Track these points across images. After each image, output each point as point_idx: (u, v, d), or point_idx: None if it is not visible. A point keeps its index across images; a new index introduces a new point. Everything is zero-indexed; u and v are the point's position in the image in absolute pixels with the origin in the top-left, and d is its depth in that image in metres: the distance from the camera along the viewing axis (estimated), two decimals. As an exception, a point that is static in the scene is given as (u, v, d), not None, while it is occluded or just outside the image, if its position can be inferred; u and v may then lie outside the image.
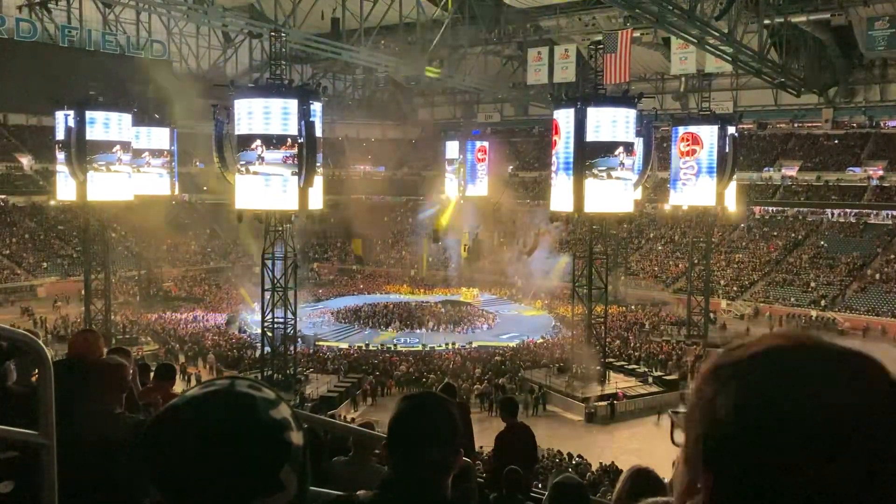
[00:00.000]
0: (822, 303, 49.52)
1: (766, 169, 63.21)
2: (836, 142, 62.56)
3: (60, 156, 39.42)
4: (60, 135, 39.05)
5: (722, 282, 54.16)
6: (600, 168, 33.56)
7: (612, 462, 25.02)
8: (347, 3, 51.01)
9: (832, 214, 58.41)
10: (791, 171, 62.04)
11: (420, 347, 42.17)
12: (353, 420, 25.53)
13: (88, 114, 38.31)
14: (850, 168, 59.79)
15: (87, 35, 60.20)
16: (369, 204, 75.82)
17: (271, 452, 1.02)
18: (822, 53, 55.37)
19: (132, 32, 64.57)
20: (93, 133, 38.43)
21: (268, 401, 1.06)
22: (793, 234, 57.90)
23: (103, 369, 3.53)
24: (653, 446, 27.47)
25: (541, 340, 43.65)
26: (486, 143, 63.57)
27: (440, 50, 55.48)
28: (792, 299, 51.06)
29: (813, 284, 51.67)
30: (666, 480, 4.03)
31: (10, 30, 57.40)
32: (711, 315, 46.86)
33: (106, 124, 39.03)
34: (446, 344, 42.70)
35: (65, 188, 40.38)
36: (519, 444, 7.51)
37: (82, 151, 38.07)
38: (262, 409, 1.04)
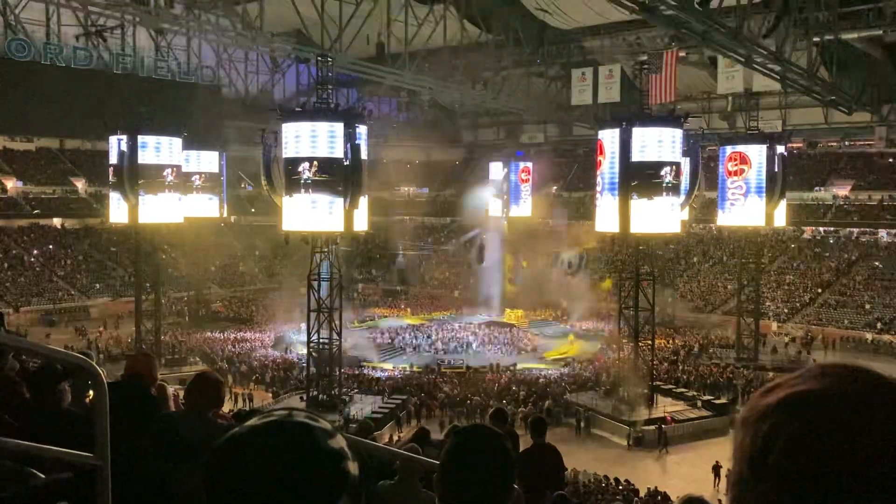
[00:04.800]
0: (879, 325, 48.10)
1: (817, 188, 61.93)
2: (891, 160, 61.05)
3: (114, 180, 40.47)
4: (114, 159, 40.11)
5: (772, 304, 53.00)
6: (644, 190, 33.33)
7: (656, 487, 24.51)
8: (392, 27, 51.64)
9: (887, 234, 56.87)
10: (843, 190, 60.68)
11: (464, 369, 42.02)
12: (399, 439, 25.49)
13: (140, 138, 39.33)
14: (906, 187, 58.29)
15: (140, 62, 61.86)
16: (413, 225, 76.23)
17: (330, 483, 1.03)
18: (875, 70, 54.19)
19: (183, 59, 66.21)
20: (144, 157, 39.40)
21: (325, 431, 1.07)
22: (845, 255, 56.50)
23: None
24: (702, 471, 26.94)
25: (586, 363, 43.21)
26: (529, 164, 63.53)
27: (483, 72, 55.84)
28: (846, 321, 49.71)
29: (868, 306, 50.26)
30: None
31: (67, 58, 59.27)
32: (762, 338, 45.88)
33: (157, 148, 40.00)
34: (490, 366, 42.49)
35: (117, 211, 41.40)
36: (544, 466, 7.26)
37: (134, 175, 39.04)
38: (320, 440, 1.05)
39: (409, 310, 60.93)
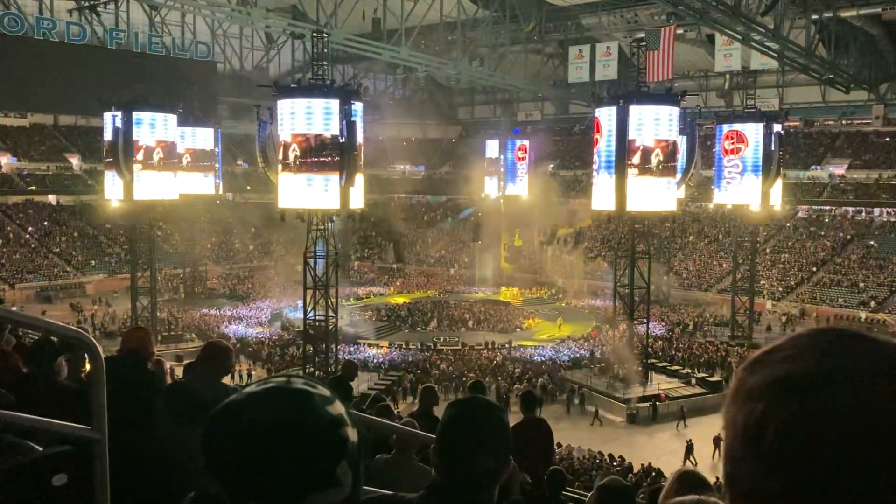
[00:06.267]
0: (872, 304, 48.32)
1: (814, 167, 61.89)
2: (888, 139, 60.97)
3: (109, 156, 40.30)
4: (108, 135, 39.91)
5: (767, 282, 53.16)
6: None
7: (650, 463, 24.75)
8: (388, 2, 51.23)
9: (882, 214, 56.91)
10: (839, 169, 60.64)
11: (459, 346, 42.15)
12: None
13: (135, 114, 39.11)
14: (902, 166, 58.24)
15: (134, 37, 61.34)
16: (409, 203, 76.13)
17: (329, 448, 1.04)
18: (873, 48, 54.01)
19: (178, 34, 65.70)
20: (139, 133, 39.20)
21: (324, 397, 1.08)
22: (841, 234, 56.59)
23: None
24: (695, 448, 27.18)
25: (581, 340, 43.37)
26: (526, 142, 63.35)
27: (480, 48, 55.53)
28: (840, 300, 49.92)
29: (862, 285, 50.45)
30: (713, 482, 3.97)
31: (60, 33, 58.74)
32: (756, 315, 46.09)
33: (152, 125, 39.80)
34: (485, 343, 42.63)
35: (112, 187, 41.25)
36: (534, 439, 7.32)
37: (129, 151, 38.86)
38: (319, 405, 1.06)
39: (393, 289, 60.69)
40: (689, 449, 27.43)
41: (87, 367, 3.58)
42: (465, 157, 72.49)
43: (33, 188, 61.98)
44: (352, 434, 1.07)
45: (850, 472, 0.72)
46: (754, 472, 0.77)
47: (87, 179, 62.99)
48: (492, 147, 63.28)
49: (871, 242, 54.49)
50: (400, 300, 55.64)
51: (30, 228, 58.92)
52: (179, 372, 11.70)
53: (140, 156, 39.40)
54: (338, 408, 1.08)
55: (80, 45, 59.34)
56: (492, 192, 63.49)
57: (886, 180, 57.79)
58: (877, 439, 0.72)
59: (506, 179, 62.52)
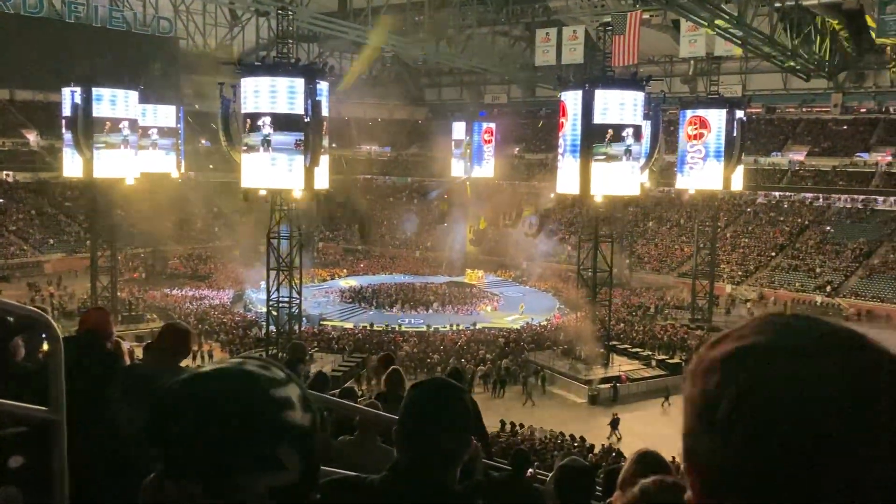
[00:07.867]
0: (828, 288, 49.40)
1: (774, 154, 62.89)
2: (845, 127, 62.16)
3: (67, 133, 39.42)
4: (67, 111, 39.03)
5: (727, 266, 54.02)
6: (600, 153, 33.47)
7: (610, 444, 25.17)
8: (355, -19, 50.76)
9: (839, 200, 58.10)
10: (799, 156, 61.70)
11: (424, 328, 42.22)
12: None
13: (95, 91, 38.27)
14: (859, 154, 59.43)
15: (94, 11, 59.92)
16: (375, 184, 75.75)
17: (265, 430, 1.03)
18: (833, 37, 54.86)
19: (139, 9, 64.33)
20: (99, 110, 38.40)
21: (272, 380, 1.07)
22: (799, 220, 57.68)
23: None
24: (654, 429, 27.65)
25: (545, 322, 43.72)
26: (492, 125, 63.39)
27: (447, 30, 55.26)
28: (797, 284, 50.95)
29: (818, 270, 51.53)
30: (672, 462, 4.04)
31: (17, 4, 57.14)
32: (716, 299, 46.81)
33: (112, 101, 39.00)
34: (450, 325, 42.75)
35: (71, 165, 40.42)
36: None
37: (89, 128, 38.06)
38: (263, 388, 1.05)
39: (346, 271, 60.34)
40: (615, 423, 28.03)
41: (45, 347, 3.52)
42: (431, 139, 72.26)
43: (-12, 164, 60.42)
44: (300, 418, 1.05)
45: (800, 438, 0.73)
46: (710, 443, 0.79)
47: (44, 156, 61.56)
48: (458, 129, 63.21)
49: (828, 228, 55.65)
50: (351, 283, 55.18)
51: (-16, 206, 57.51)
52: (139, 353, 11.53)
53: (105, 131, 38.54)
54: (288, 391, 1.06)
55: (37, 18, 57.81)
56: (458, 174, 63.48)
57: (843, 168, 59.01)
58: (826, 407, 0.74)
59: (472, 162, 62.54)
